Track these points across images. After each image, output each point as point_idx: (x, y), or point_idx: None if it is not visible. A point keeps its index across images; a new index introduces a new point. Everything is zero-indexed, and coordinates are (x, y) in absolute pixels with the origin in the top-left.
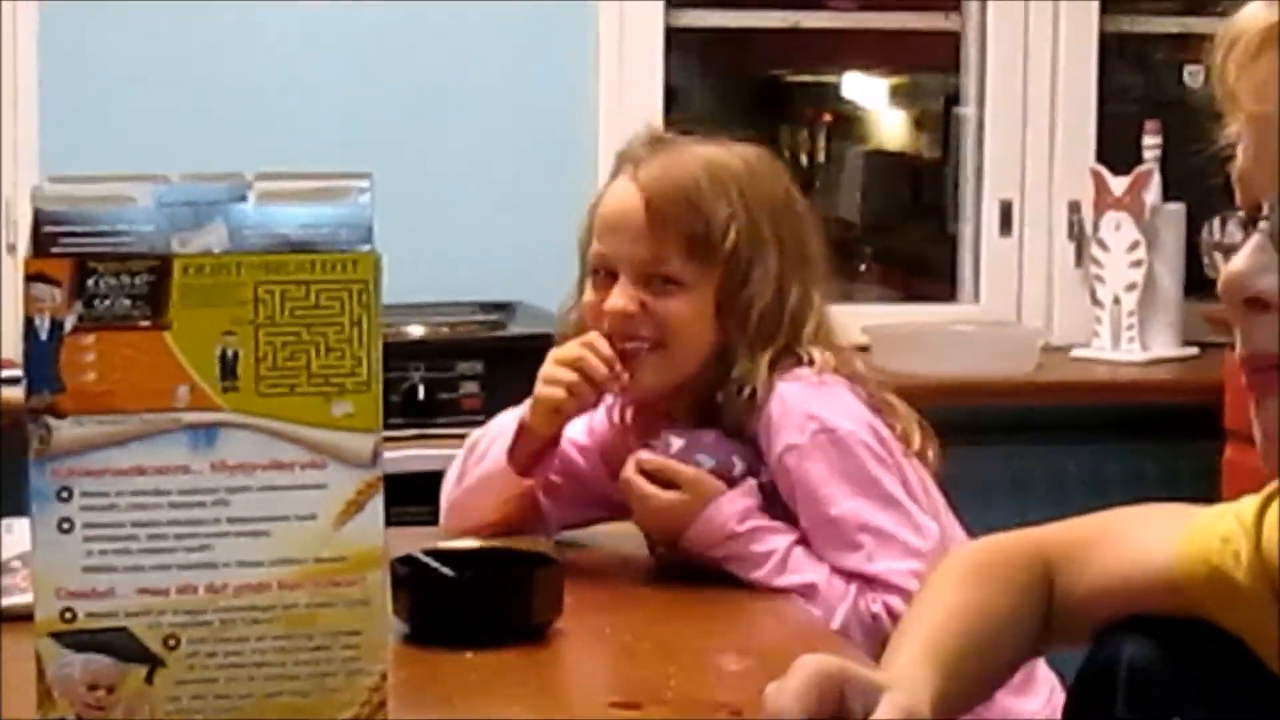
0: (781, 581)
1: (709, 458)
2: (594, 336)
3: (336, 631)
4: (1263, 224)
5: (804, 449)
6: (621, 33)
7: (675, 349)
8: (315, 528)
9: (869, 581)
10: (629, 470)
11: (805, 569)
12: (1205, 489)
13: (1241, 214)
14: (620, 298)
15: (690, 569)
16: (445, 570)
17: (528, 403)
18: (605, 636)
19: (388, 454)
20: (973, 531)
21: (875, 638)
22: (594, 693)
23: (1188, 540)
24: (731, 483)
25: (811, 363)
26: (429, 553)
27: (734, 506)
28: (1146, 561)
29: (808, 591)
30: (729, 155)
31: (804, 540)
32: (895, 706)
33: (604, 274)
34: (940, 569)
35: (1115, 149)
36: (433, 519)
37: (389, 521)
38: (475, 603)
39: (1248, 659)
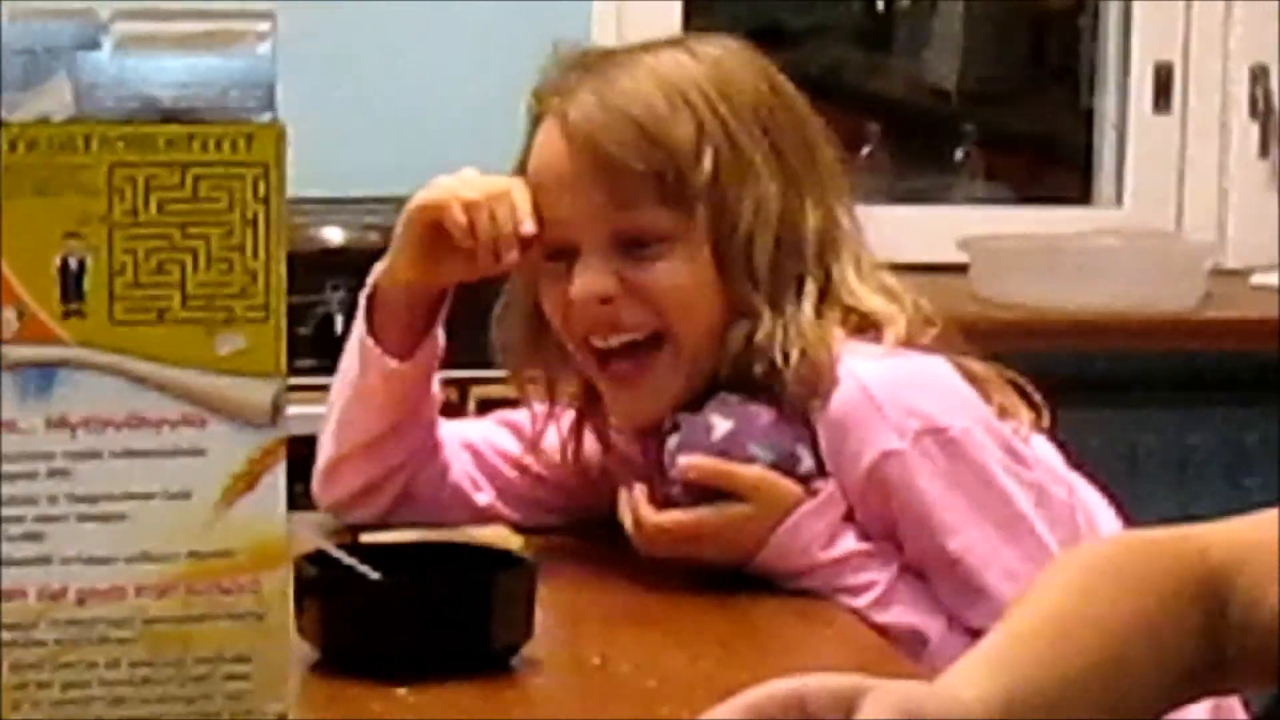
0: (882, 619)
1: (767, 448)
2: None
3: (219, 656)
4: None
5: (907, 458)
6: None
7: (680, 332)
8: (191, 511)
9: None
10: (637, 495)
11: (914, 611)
12: None
13: None
14: (588, 277)
15: (703, 572)
16: (370, 572)
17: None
18: (593, 668)
19: (294, 409)
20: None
21: None
22: None
23: None
24: (803, 483)
25: (875, 325)
26: (348, 547)
27: (819, 523)
28: None
29: (913, 639)
30: (683, 58)
31: (910, 567)
32: (885, 705)
33: (559, 255)
34: (1052, 567)
35: None
36: None
37: (295, 503)
38: (411, 618)
39: None
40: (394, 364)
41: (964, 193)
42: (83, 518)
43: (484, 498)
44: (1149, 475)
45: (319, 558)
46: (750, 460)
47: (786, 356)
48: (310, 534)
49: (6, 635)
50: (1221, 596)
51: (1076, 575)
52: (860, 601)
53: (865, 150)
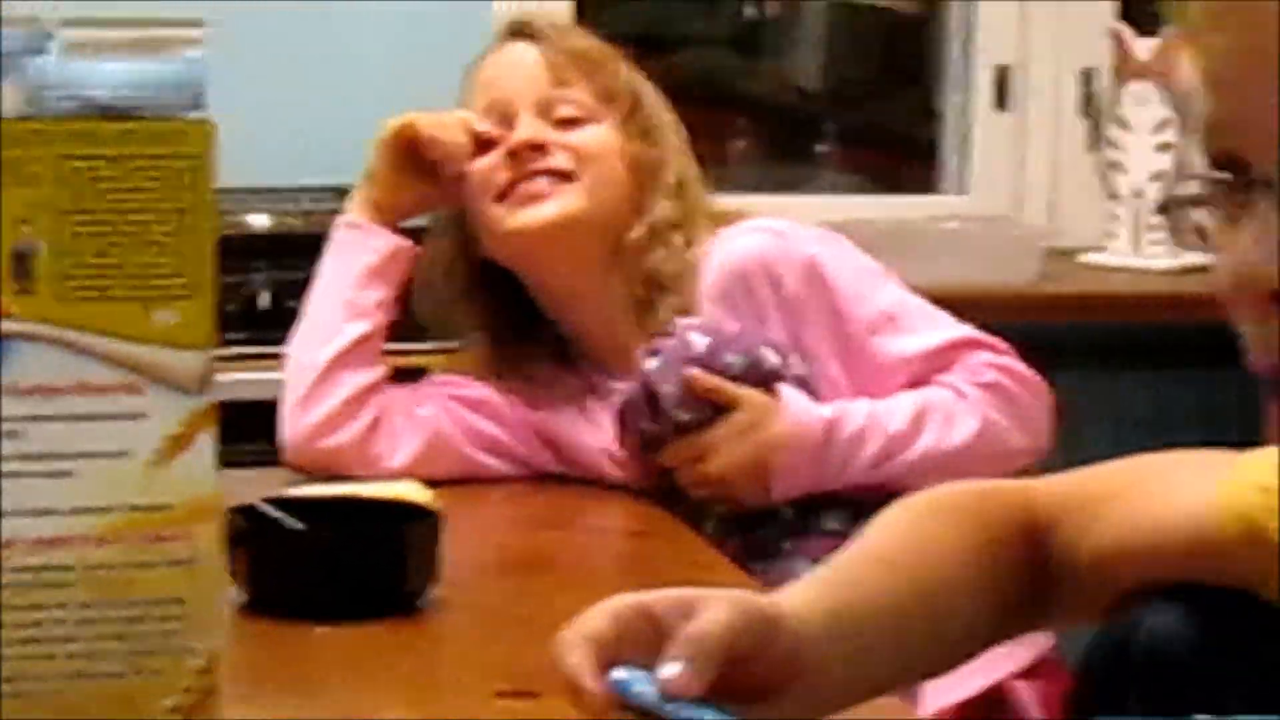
0: (895, 429)
1: (739, 355)
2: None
3: (156, 599)
4: (1259, 192)
5: (821, 252)
6: None
7: (588, 178)
8: (130, 468)
9: (953, 352)
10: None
11: (900, 405)
12: (1248, 428)
13: (1218, 174)
14: (528, 126)
15: (599, 525)
16: (293, 523)
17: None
18: (493, 609)
19: (223, 377)
20: None
21: (1011, 405)
22: (478, 679)
23: (1221, 492)
24: (766, 381)
25: (738, 218)
26: (273, 501)
27: (802, 403)
28: (1171, 518)
29: (919, 419)
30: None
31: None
32: (721, 603)
33: (497, 126)
34: (897, 505)
35: (1140, 3)
36: (280, 459)
37: (225, 462)
38: (329, 564)
39: None
40: (390, 243)
41: (825, 183)
42: (32, 474)
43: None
44: None
45: (248, 510)
46: (727, 368)
47: (687, 238)
48: (241, 489)
49: None
50: (1045, 542)
51: (913, 514)
52: (870, 448)
53: (737, 145)
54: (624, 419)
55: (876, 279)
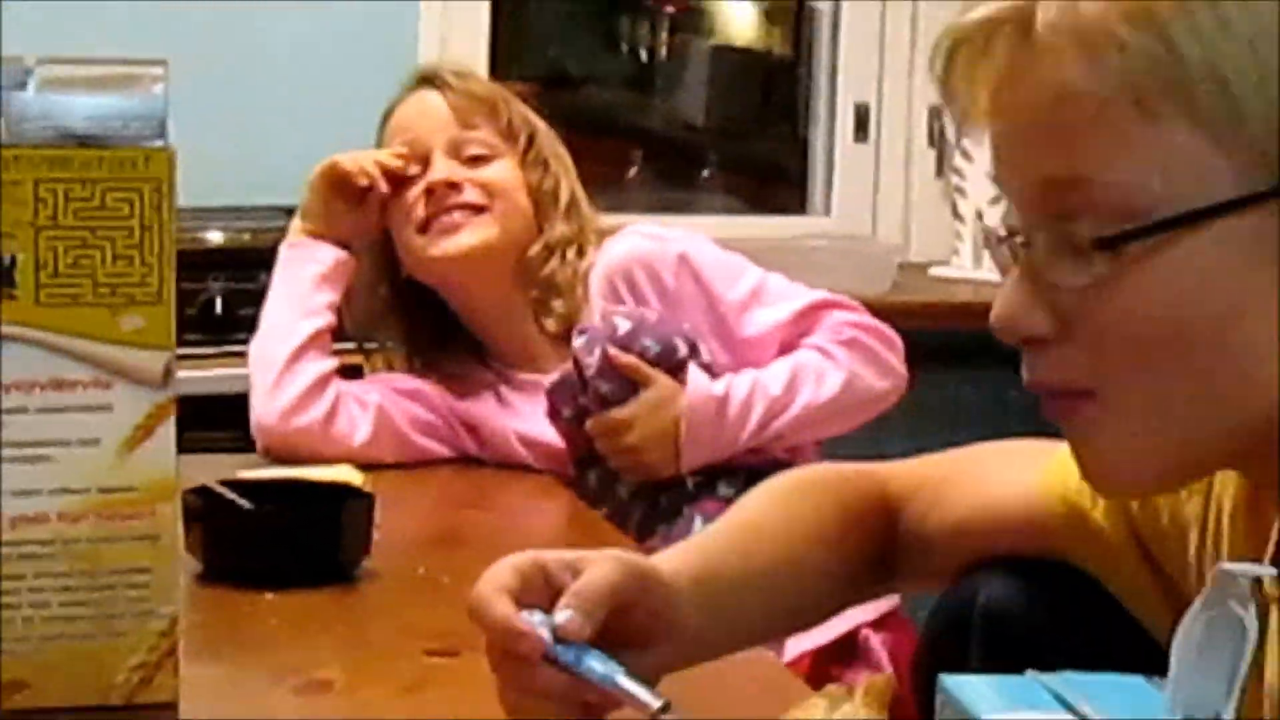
0: (775, 392)
1: (654, 340)
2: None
3: (123, 569)
4: (1018, 248)
5: (684, 257)
6: None
7: (497, 209)
8: (100, 455)
9: (813, 313)
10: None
11: (776, 371)
12: None
13: (1000, 227)
14: (441, 168)
15: (509, 504)
16: (243, 503)
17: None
18: (419, 578)
19: (182, 374)
20: None
21: (869, 355)
22: (407, 639)
23: (1046, 478)
24: (678, 367)
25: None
26: (226, 484)
27: (701, 381)
28: (1003, 500)
29: (794, 381)
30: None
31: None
32: (605, 559)
33: (414, 165)
34: (766, 482)
35: None
36: (233, 446)
37: (183, 448)
38: (275, 539)
39: (1109, 602)
40: (334, 254)
41: (708, 205)
42: (14, 459)
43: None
44: None
45: (204, 491)
46: (644, 350)
47: (579, 250)
48: (197, 472)
49: None
50: (895, 518)
51: (780, 491)
52: (757, 414)
53: (632, 171)
54: (556, 397)
55: (738, 265)
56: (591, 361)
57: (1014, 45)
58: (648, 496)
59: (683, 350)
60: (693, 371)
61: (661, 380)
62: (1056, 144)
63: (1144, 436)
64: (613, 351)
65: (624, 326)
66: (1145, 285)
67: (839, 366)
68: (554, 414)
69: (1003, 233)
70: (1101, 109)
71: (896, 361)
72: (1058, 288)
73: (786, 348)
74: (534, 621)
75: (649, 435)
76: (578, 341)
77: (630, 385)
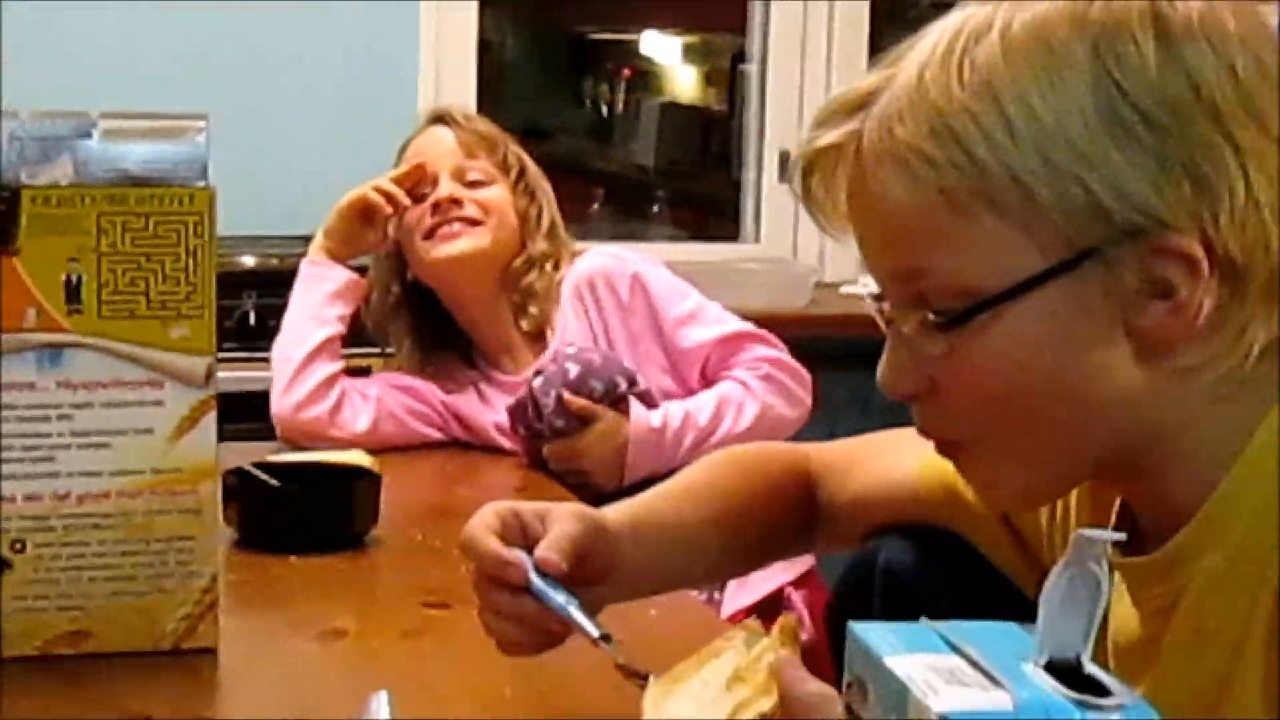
0: (703, 422)
1: (600, 381)
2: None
3: (171, 537)
4: (889, 316)
5: (638, 276)
6: None
7: (490, 224)
8: (153, 442)
9: (737, 341)
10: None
11: (704, 402)
12: None
13: (874, 293)
14: (447, 188)
15: (492, 482)
16: (272, 482)
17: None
18: (418, 544)
19: (221, 375)
20: None
21: (781, 389)
22: (407, 594)
23: (930, 463)
24: (620, 400)
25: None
26: (258, 466)
27: (643, 415)
28: (896, 479)
29: (719, 411)
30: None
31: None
32: (565, 509)
33: (422, 198)
34: (700, 461)
35: None
36: (264, 435)
37: (221, 437)
38: (299, 512)
39: (986, 563)
40: (346, 275)
41: (657, 234)
42: (80, 446)
43: (366, 418)
44: None
45: (239, 472)
46: (591, 390)
47: (555, 264)
48: (233, 457)
49: (30, 525)
50: (813, 490)
51: (715, 464)
52: (690, 436)
53: (594, 206)
54: (514, 416)
55: (683, 289)
56: (548, 402)
57: (850, 165)
58: (594, 503)
59: (623, 385)
60: (634, 405)
61: (609, 415)
62: (895, 244)
63: (1013, 475)
64: (567, 396)
65: (574, 370)
66: (988, 352)
67: (755, 399)
68: (513, 429)
69: (876, 295)
70: (923, 214)
71: (804, 394)
72: (923, 355)
73: (712, 364)
74: (519, 555)
75: (597, 461)
76: (536, 382)
77: (580, 420)
